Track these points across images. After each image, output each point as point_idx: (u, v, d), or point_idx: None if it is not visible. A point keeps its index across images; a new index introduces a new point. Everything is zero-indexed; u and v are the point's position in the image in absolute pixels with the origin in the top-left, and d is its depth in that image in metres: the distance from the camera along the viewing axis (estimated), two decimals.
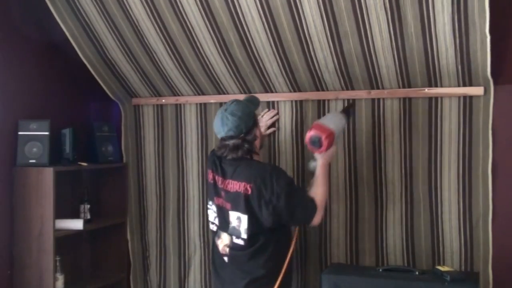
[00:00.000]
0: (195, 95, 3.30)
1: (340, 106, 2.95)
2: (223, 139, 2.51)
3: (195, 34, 2.81)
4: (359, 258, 2.94)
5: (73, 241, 3.32)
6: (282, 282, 2.48)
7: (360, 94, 2.90)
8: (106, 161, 3.39)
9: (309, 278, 3.06)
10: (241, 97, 2.95)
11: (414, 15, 2.38)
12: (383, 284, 2.45)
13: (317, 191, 2.51)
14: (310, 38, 2.63)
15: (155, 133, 3.43)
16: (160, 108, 3.42)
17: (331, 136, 2.50)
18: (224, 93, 3.18)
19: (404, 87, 2.81)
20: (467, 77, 2.65)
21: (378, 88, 2.86)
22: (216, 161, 2.61)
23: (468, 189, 2.73)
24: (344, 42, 2.60)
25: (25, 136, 2.99)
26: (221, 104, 3.13)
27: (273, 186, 2.40)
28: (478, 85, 2.67)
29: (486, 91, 2.66)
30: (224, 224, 2.55)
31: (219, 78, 3.10)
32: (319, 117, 2.99)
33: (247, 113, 2.52)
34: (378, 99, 2.88)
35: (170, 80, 3.23)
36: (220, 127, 2.49)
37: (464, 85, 2.70)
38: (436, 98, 2.77)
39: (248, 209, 2.43)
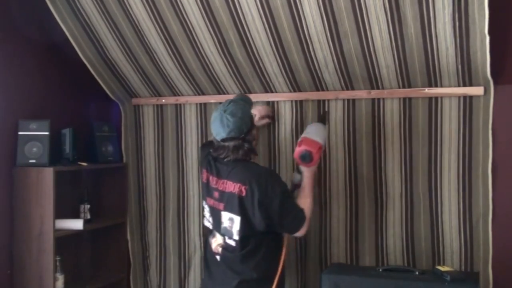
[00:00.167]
0: (195, 95, 3.30)
1: (340, 106, 2.96)
2: (223, 140, 2.49)
3: (195, 34, 2.81)
4: (359, 258, 2.95)
5: (73, 241, 3.33)
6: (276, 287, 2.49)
7: (360, 94, 2.90)
8: (106, 161, 3.39)
9: (309, 278, 3.06)
10: None
11: (414, 15, 2.38)
12: (383, 284, 2.45)
13: (305, 202, 2.54)
14: (310, 38, 2.63)
15: (155, 133, 3.43)
16: (160, 108, 3.42)
17: (321, 150, 2.57)
18: (224, 93, 3.18)
19: (404, 87, 2.81)
20: (467, 77, 2.65)
21: (378, 88, 2.86)
22: (211, 161, 2.60)
23: (468, 189, 2.73)
24: (344, 42, 2.60)
25: (25, 136, 2.99)
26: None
27: (267, 191, 2.41)
28: (478, 85, 2.67)
29: (486, 91, 2.66)
30: (217, 224, 2.55)
31: (219, 78, 3.10)
32: (319, 117, 2.99)
33: (247, 114, 2.52)
34: (378, 99, 2.88)
35: (170, 80, 3.23)
36: (220, 129, 2.46)
37: (464, 85, 2.70)
38: (436, 98, 2.77)
39: (241, 211, 2.43)
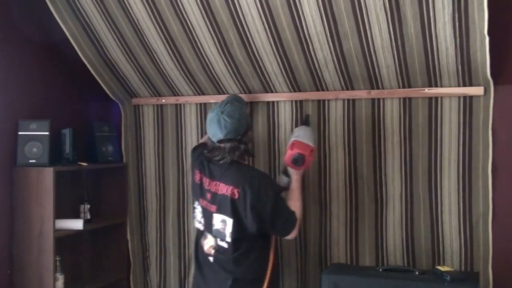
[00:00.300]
0: (195, 95, 3.30)
1: (340, 106, 2.96)
2: (219, 141, 2.49)
3: (195, 33, 2.81)
4: (359, 258, 2.94)
5: (73, 241, 3.32)
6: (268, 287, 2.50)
7: (360, 94, 2.90)
8: (106, 161, 3.39)
9: (309, 278, 3.06)
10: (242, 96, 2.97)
11: (414, 15, 2.37)
12: (383, 284, 2.45)
13: (296, 205, 2.55)
14: (310, 38, 2.63)
15: (155, 133, 3.43)
16: (160, 108, 3.42)
17: (313, 153, 2.59)
18: (224, 93, 3.18)
19: (404, 87, 2.81)
20: (467, 77, 2.65)
21: (378, 88, 2.86)
22: (204, 162, 2.60)
23: (468, 189, 2.73)
24: (344, 42, 2.60)
25: (25, 136, 2.99)
26: None
27: (260, 194, 2.41)
28: (478, 85, 2.67)
29: (486, 91, 2.66)
30: (208, 226, 2.55)
31: (219, 78, 3.09)
32: (319, 117, 2.99)
33: (243, 115, 2.53)
34: (378, 99, 2.88)
35: (170, 80, 3.23)
36: (218, 130, 2.46)
37: (464, 85, 2.70)
38: (436, 98, 2.77)
39: (234, 213, 2.43)
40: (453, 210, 2.76)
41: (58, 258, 2.97)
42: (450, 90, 2.73)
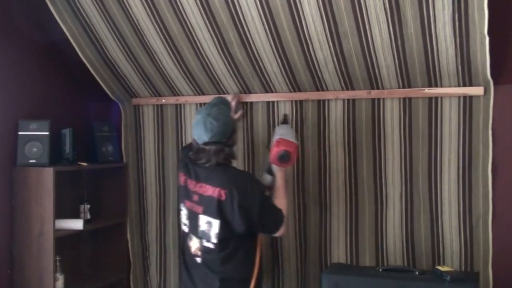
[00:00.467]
0: (195, 95, 3.30)
1: (340, 106, 2.96)
2: (204, 144, 2.49)
3: (195, 34, 2.81)
4: (359, 258, 2.95)
5: (73, 241, 3.33)
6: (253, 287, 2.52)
7: (360, 94, 2.90)
8: (106, 161, 3.39)
9: (309, 278, 3.06)
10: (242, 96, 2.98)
11: (414, 15, 2.37)
12: (383, 284, 2.45)
13: (282, 202, 2.59)
14: (310, 38, 2.63)
15: (155, 133, 3.43)
16: (160, 108, 3.42)
17: (297, 149, 2.63)
18: (224, 93, 3.18)
19: (404, 87, 2.81)
20: (467, 77, 2.65)
21: (378, 88, 2.86)
22: (189, 165, 2.62)
23: (468, 189, 2.73)
24: (344, 42, 2.60)
25: (25, 136, 2.99)
26: None
27: (247, 194, 2.43)
28: (478, 85, 2.67)
29: (486, 91, 2.66)
30: (194, 227, 2.56)
31: (219, 78, 3.10)
32: (319, 117, 2.99)
33: (229, 119, 2.55)
34: (378, 99, 2.88)
35: (170, 80, 3.23)
36: (203, 132, 2.46)
37: (464, 85, 2.70)
38: (436, 98, 2.77)
39: (220, 215, 2.44)
40: (453, 210, 2.76)
41: (58, 258, 2.97)
42: (450, 90, 2.73)
